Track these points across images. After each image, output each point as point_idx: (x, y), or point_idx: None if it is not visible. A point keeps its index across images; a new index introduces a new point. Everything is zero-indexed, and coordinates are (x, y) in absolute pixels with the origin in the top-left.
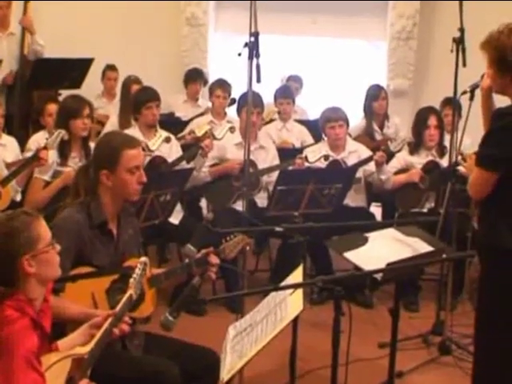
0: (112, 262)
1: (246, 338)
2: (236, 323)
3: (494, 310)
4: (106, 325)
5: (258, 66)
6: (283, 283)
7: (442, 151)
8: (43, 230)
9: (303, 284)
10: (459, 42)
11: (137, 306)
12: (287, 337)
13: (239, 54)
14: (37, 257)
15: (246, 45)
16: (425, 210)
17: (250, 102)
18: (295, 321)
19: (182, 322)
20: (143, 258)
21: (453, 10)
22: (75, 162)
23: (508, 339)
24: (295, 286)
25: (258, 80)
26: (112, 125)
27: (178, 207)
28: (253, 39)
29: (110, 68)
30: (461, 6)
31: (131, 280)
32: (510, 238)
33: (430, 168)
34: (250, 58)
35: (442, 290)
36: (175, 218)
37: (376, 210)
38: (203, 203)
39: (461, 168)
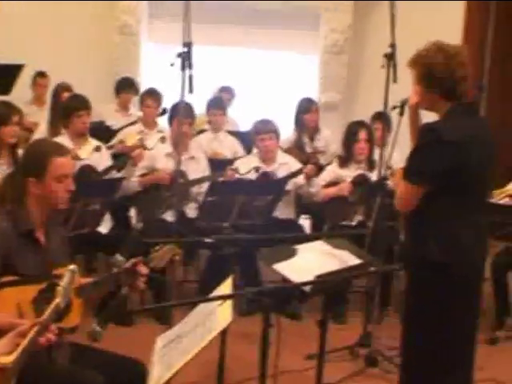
0: (40, 271)
1: (174, 348)
2: (164, 334)
3: (420, 322)
4: (31, 334)
5: (190, 77)
6: (212, 294)
7: (371, 165)
8: None
9: (232, 295)
10: (390, 57)
11: (64, 316)
12: (215, 348)
13: (172, 65)
14: None
15: (179, 55)
16: (354, 223)
17: (182, 112)
18: (223, 332)
19: (110, 332)
20: (71, 267)
21: (385, 26)
22: (3, 169)
23: (434, 351)
24: (224, 298)
25: (191, 90)
26: (41, 132)
27: (107, 216)
28: (186, 49)
29: (41, 74)
30: (392, 22)
31: (59, 288)
32: (436, 250)
33: (360, 181)
34: (183, 68)
35: (369, 302)
36: (104, 228)
37: (305, 222)
38: (132, 213)
39: (389, 182)
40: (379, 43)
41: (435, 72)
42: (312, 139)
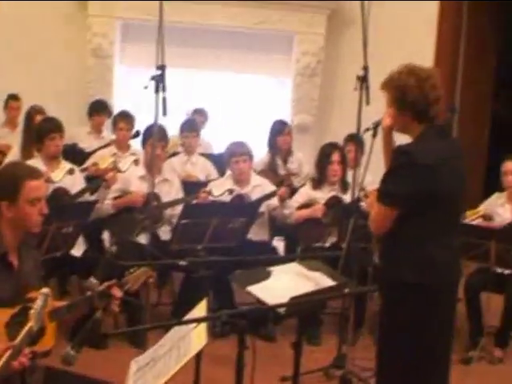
0: (13, 294)
1: (149, 372)
2: (138, 357)
3: (395, 343)
4: (4, 357)
5: (164, 100)
6: (187, 317)
7: (344, 187)
8: None
9: (207, 318)
10: (363, 79)
11: (37, 339)
12: (190, 371)
13: (145, 87)
14: None
15: (153, 78)
16: (327, 245)
17: (155, 135)
18: (198, 355)
19: (84, 355)
20: (45, 290)
21: (357, 49)
22: None
23: (409, 372)
24: (199, 320)
25: (164, 113)
26: (14, 155)
27: (80, 239)
28: (159, 72)
29: (13, 97)
30: (365, 44)
31: (32, 311)
32: (410, 272)
33: (333, 203)
34: (157, 90)
35: (343, 323)
36: (77, 251)
37: (279, 244)
38: (106, 235)
39: (363, 204)
40: (352, 65)
41: (408, 95)
42: (285, 161)
